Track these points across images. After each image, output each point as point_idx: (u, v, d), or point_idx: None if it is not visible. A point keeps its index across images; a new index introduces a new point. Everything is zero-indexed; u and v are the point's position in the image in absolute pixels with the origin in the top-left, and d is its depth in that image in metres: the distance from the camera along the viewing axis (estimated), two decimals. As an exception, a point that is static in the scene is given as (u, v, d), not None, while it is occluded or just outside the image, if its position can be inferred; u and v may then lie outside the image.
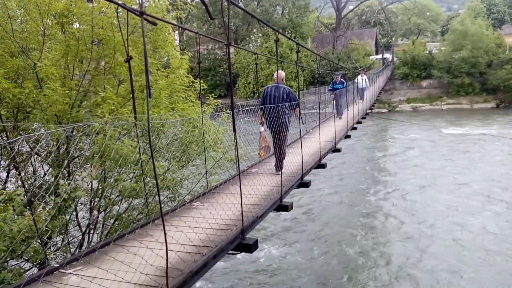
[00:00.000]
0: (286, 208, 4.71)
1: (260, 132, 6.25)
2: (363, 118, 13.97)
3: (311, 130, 9.89)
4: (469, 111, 30.25)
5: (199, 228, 3.66)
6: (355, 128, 11.71)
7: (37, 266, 4.86)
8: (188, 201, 4.70)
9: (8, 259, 4.35)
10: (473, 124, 24.67)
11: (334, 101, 12.92)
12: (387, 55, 37.90)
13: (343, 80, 13.35)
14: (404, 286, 7.24)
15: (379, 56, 37.84)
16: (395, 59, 36.92)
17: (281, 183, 4.77)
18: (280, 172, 5.42)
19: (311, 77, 33.93)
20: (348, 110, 12.62)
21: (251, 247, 3.59)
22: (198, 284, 7.26)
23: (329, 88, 13.55)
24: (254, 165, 6.53)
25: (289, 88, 6.02)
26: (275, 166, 5.88)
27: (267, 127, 5.90)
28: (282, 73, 5.99)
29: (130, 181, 5.46)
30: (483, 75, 31.46)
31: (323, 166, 6.89)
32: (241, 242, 3.58)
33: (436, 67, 32.96)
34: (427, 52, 35.07)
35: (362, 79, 17.52)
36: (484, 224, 9.73)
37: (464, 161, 16.08)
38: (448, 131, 22.81)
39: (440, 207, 11.05)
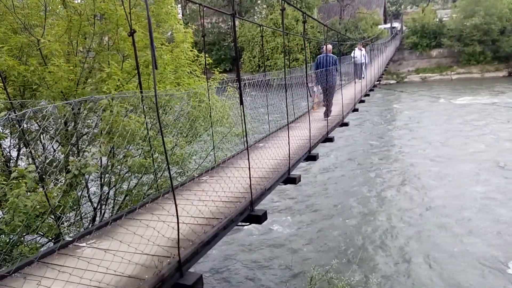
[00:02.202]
0: (294, 180, 4.74)
1: (314, 91, 8.51)
2: (372, 89, 13.73)
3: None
4: (480, 81, 29.54)
5: (209, 201, 3.71)
6: (363, 101, 11.54)
7: (52, 240, 5.00)
8: (198, 175, 4.74)
9: (24, 234, 4.47)
10: (483, 93, 24.15)
11: (319, 85, 8.91)
12: (396, 24, 36.73)
13: (332, 55, 9.28)
14: (411, 259, 7.35)
15: (388, 25, 36.68)
16: (404, 28, 35.81)
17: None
18: (328, 118, 7.76)
19: (317, 49, 33.20)
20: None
21: (260, 218, 3.64)
22: (209, 254, 7.46)
23: (315, 65, 9.09)
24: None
25: (336, 57, 8.36)
26: (324, 114, 8.04)
27: (320, 86, 8.06)
28: (330, 46, 8.69)
29: (139, 156, 5.51)
30: (495, 42, 30.42)
31: (330, 139, 6.85)
32: (250, 213, 3.63)
33: (446, 35, 31.94)
34: (438, 20, 33.90)
35: (361, 53, 14.00)
36: (492, 193, 9.72)
37: (475, 131, 15.88)
38: (458, 101, 22.41)
39: (449, 178, 11.03)
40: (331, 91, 8.19)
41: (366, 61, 14.48)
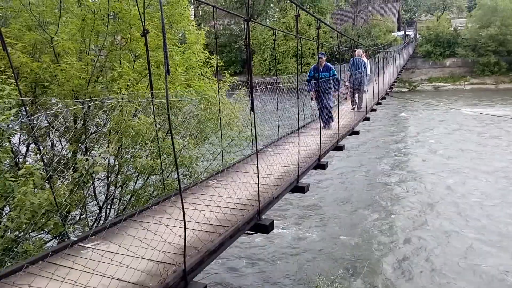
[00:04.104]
0: (302, 189, 4.65)
1: (347, 86, 10.29)
2: (384, 97, 13.53)
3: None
4: (493, 92, 29.07)
5: (216, 206, 3.64)
6: (374, 110, 11.38)
7: (57, 238, 4.98)
8: (204, 179, 4.69)
9: (30, 231, 4.46)
10: (497, 105, 23.74)
11: (314, 102, 8.02)
12: (410, 32, 36.42)
13: (330, 65, 8.08)
14: (420, 272, 7.18)
15: (401, 32, 36.39)
16: (418, 36, 35.47)
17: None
18: (360, 109, 9.82)
19: (329, 54, 33.08)
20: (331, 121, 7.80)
21: (267, 228, 3.57)
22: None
23: (307, 77, 8.18)
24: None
25: (365, 60, 10.29)
26: (356, 107, 9.83)
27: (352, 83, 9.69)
28: (360, 51, 10.40)
29: (146, 157, 5.47)
30: (511, 53, 29.96)
31: (340, 148, 6.75)
32: (257, 222, 3.55)
33: (461, 45, 31.55)
34: (452, 29, 33.53)
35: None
36: (504, 207, 9.49)
37: (487, 143, 15.58)
38: (470, 111, 22.04)
39: (460, 189, 10.81)
40: (361, 87, 9.79)
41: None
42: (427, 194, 10.71)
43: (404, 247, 8.01)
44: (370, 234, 8.62)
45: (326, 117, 7.78)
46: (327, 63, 8.03)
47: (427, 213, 9.49)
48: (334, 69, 8.03)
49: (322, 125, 7.56)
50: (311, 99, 8.05)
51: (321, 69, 7.77)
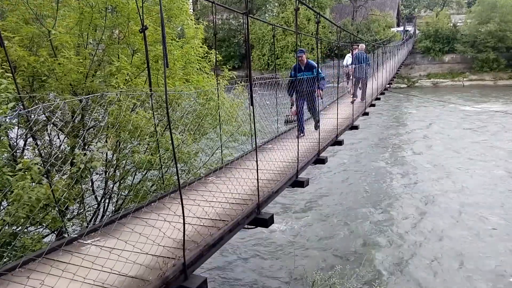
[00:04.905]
0: (302, 184, 4.66)
1: (349, 75, 11.12)
2: (382, 93, 13.53)
3: (327, 106, 9.65)
4: (492, 88, 29.09)
5: (215, 202, 3.64)
6: (373, 105, 11.39)
7: (55, 232, 4.98)
8: (204, 175, 4.68)
9: (28, 225, 4.45)
10: (496, 101, 23.78)
11: (294, 106, 6.98)
12: (409, 28, 36.34)
13: (312, 62, 7.01)
14: (417, 267, 7.22)
15: (401, 28, 36.31)
16: (417, 31, 35.39)
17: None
18: (364, 99, 10.77)
19: (328, 49, 33.01)
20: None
21: (266, 222, 3.57)
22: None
23: (290, 74, 7.19)
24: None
25: (367, 54, 10.86)
26: (360, 97, 10.87)
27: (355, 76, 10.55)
28: (363, 45, 11.06)
29: (145, 152, 5.46)
30: (510, 50, 29.94)
31: (340, 143, 6.74)
32: (256, 216, 3.56)
33: (460, 41, 31.49)
34: (452, 25, 33.45)
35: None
36: (500, 201, 9.54)
37: (486, 138, 15.62)
38: (469, 108, 22.08)
39: (458, 185, 10.85)
40: (365, 80, 10.67)
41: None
42: (426, 191, 10.74)
43: (402, 244, 8.04)
44: (368, 230, 8.65)
45: (315, 119, 6.90)
46: (309, 60, 6.99)
47: (426, 210, 9.52)
48: (316, 67, 6.87)
49: (301, 133, 6.70)
50: (292, 104, 6.97)
51: (303, 68, 6.85)
